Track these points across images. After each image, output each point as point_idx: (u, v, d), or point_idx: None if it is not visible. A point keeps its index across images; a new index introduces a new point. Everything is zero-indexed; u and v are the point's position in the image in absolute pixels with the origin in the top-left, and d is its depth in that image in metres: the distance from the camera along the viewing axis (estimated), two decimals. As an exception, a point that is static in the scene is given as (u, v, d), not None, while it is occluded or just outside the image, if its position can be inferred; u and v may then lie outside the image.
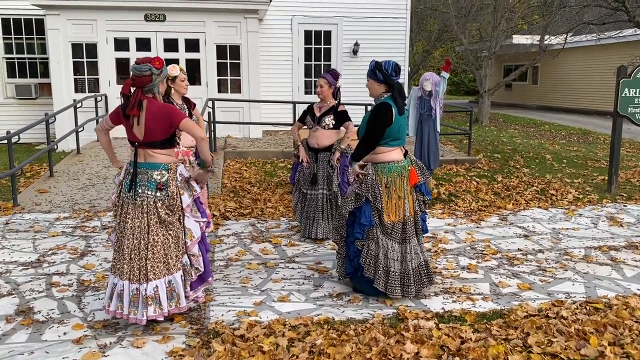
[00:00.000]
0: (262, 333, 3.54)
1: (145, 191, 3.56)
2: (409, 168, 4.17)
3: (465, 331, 3.56)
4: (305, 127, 5.70)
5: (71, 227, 6.04)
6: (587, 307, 4.03)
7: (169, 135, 3.59)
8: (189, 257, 3.70)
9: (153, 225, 3.55)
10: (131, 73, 3.56)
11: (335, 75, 5.52)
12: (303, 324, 3.71)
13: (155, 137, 3.54)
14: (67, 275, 4.64)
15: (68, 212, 6.63)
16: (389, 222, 4.07)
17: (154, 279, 3.54)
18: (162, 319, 3.65)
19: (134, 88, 3.52)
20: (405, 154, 4.23)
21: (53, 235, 5.73)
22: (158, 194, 3.56)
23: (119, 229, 3.63)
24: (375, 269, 4.08)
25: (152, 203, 3.55)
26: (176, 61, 11.90)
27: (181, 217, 3.65)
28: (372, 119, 4.05)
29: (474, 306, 4.09)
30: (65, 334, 3.60)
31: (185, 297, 3.68)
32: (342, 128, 5.59)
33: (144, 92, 3.52)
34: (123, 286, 3.57)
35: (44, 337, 3.56)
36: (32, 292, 4.26)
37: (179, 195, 3.61)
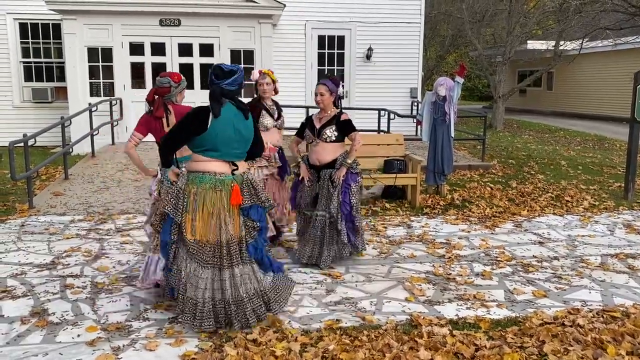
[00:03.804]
0: (274, 337, 3.53)
1: None
2: (232, 185, 3.57)
3: (480, 338, 3.52)
4: (304, 141, 5.16)
5: (85, 229, 6.09)
6: (604, 316, 3.97)
7: None
8: None
9: None
10: (156, 84, 4.28)
11: (336, 82, 4.93)
12: (315, 329, 3.69)
13: None
14: (81, 277, 4.67)
15: (82, 214, 6.68)
16: (192, 240, 3.52)
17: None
18: None
19: (157, 96, 4.24)
20: (234, 171, 3.63)
21: (67, 238, 5.78)
22: None
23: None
24: (181, 293, 3.63)
25: None
26: (190, 65, 11.98)
27: None
28: (180, 120, 3.64)
29: (489, 313, 4.05)
30: (79, 335, 3.61)
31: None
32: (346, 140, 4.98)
33: (164, 100, 4.25)
34: None
35: (58, 338, 3.57)
36: (46, 294, 4.29)
37: None
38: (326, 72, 13.82)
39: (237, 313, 3.59)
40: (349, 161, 4.87)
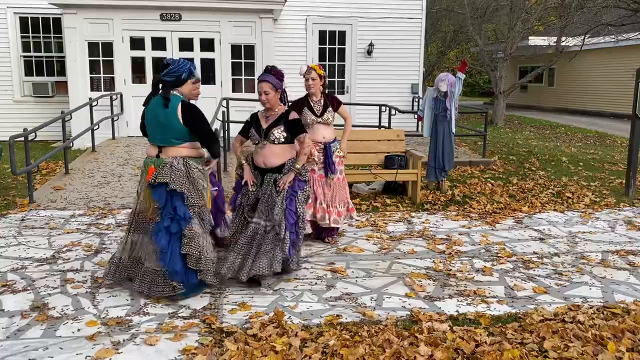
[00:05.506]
0: (274, 333, 3.53)
1: None
2: (149, 166, 4.03)
3: (480, 334, 3.52)
4: (249, 141, 4.63)
5: (86, 224, 6.09)
6: (605, 312, 3.97)
7: None
8: None
9: None
10: None
11: (279, 76, 4.43)
12: (316, 324, 3.69)
13: None
14: (81, 272, 4.67)
15: (83, 209, 6.68)
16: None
17: None
18: None
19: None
20: (159, 154, 4.02)
21: (68, 232, 5.78)
22: None
23: None
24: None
25: None
26: (190, 60, 11.93)
27: None
28: None
29: (489, 309, 4.05)
30: (79, 330, 3.62)
31: None
32: (295, 142, 4.52)
33: None
34: None
35: (58, 333, 3.58)
36: (46, 288, 4.29)
37: None
38: (327, 68, 13.78)
39: (133, 272, 4.16)
40: (298, 166, 4.42)
